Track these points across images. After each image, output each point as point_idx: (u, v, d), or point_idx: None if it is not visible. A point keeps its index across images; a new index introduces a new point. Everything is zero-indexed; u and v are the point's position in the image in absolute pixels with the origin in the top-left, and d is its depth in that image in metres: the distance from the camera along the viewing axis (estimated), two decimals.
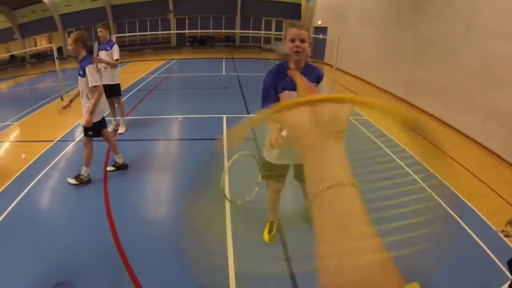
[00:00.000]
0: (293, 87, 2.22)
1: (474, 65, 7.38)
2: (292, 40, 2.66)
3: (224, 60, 18.08)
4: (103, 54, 5.91)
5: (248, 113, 7.75)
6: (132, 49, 22.71)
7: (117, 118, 6.48)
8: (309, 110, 0.58)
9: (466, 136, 7.29)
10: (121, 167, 4.88)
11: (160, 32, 23.39)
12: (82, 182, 4.44)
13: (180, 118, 7.26)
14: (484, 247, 3.39)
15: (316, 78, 2.89)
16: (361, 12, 15.28)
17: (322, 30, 19.77)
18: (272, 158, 3.14)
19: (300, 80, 0.67)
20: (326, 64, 17.80)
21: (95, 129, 4.39)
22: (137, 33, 22.87)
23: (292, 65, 2.80)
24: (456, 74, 8.02)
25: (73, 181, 4.40)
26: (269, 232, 3.61)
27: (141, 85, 10.86)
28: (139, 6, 23.09)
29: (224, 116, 7.25)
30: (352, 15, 16.22)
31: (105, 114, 4.57)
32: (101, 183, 4.54)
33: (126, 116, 6.87)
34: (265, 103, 2.89)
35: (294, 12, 23.81)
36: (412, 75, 10.71)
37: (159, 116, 7.42)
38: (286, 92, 2.63)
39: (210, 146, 5.78)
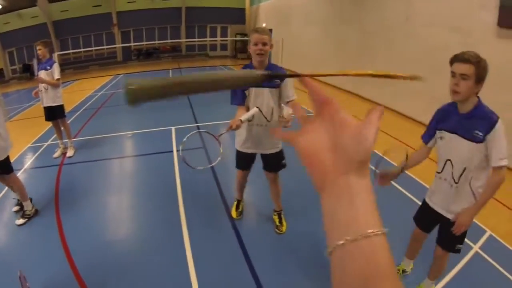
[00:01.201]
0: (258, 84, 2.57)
1: (417, 55, 8.01)
2: (256, 44, 3.07)
3: (171, 71, 18.05)
4: (42, 74, 5.67)
5: (196, 122, 7.85)
6: (77, 67, 22.15)
7: (65, 141, 6.30)
8: (326, 132, 0.51)
9: (413, 120, 7.96)
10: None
11: (105, 47, 22.76)
12: (30, 217, 4.21)
13: (129, 134, 7.23)
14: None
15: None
16: (304, 12, 15.73)
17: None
18: (237, 145, 3.58)
19: (314, 88, 0.54)
20: None
21: (1, 167, 3.94)
22: (82, 49, 22.17)
23: (256, 65, 3.17)
24: (401, 64, 8.57)
25: (21, 221, 4.11)
26: (236, 209, 4.15)
27: (88, 104, 10.65)
28: (82, 20, 22.33)
29: (173, 128, 7.33)
30: (296, 16, 16.68)
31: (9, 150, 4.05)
32: (53, 211, 4.40)
33: (74, 138, 6.72)
34: (233, 100, 3.31)
35: (239, 17, 24.15)
36: (358, 68, 11.16)
37: (108, 135, 7.32)
38: (253, 89, 3.23)
39: (161, 159, 5.89)
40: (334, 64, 12.96)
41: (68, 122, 7.12)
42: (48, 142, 6.99)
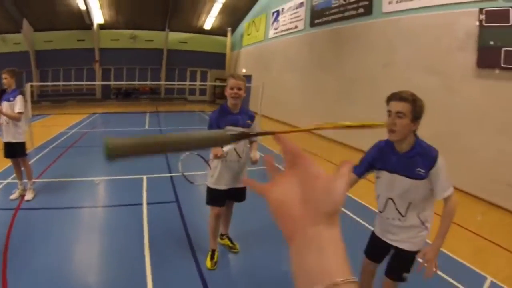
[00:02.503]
0: (233, 124, 3.64)
1: None
2: (232, 88, 3.52)
3: (148, 114, 18.00)
4: (5, 105, 5.27)
5: (170, 171, 7.52)
6: (54, 100, 21.86)
7: (24, 181, 5.86)
8: (298, 185, 0.52)
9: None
10: None
11: (84, 83, 22.67)
12: None
13: (97, 181, 6.77)
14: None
15: (250, 117, 3.76)
16: (284, 59, 16.30)
17: (247, 78, 20.35)
18: (211, 183, 3.78)
19: (287, 144, 0.57)
20: None
21: None
22: (61, 83, 22.08)
23: (230, 107, 3.63)
24: (382, 109, 8.80)
25: None
26: (211, 259, 4.02)
27: (58, 142, 10.42)
28: (65, 54, 22.24)
29: (145, 177, 6.99)
30: (275, 62, 17.21)
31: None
32: None
33: (36, 179, 6.40)
34: None
35: (219, 62, 24.66)
36: (337, 114, 11.56)
37: (74, 179, 6.93)
38: (229, 127, 3.51)
39: (129, 213, 5.43)
40: (313, 110, 13.24)
41: (33, 160, 6.79)
42: (8, 180, 6.54)
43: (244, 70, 21.52)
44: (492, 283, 3.93)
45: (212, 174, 3.76)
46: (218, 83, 22.88)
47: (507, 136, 6.49)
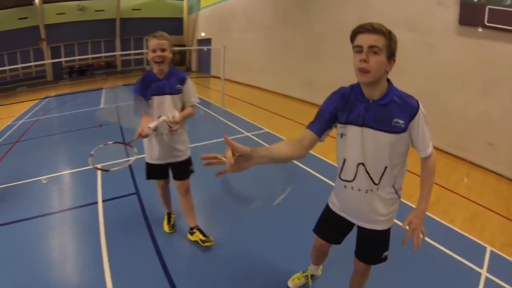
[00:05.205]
0: (159, 93, 3.21)
1: None
2: (154, 51, 3.02)
3: (104, 90, 16.51)
4: None
5: (127, 156, 6.57)
6: (3, 89, 19.86)
7: None
8: None
9: None
10: None
11: (33, 64, 20.34)
12: None
13: (45, 180, 5.79)
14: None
15: (180, 81, 3.25)
16: (245, 18, 15.48)
17: (206, 42, 19.53)
18: (150, 159, 3.47)
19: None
20: (213, 77, 17.47)
21: None
22: (7, 67, 19.89)
23: (156, 73, 3.17)
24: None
25: None
26: (168, 222, 4.07)
27: (2, 138, 9.13)
28: (6, 35, 20.10)
29: (100, 166, 6.03)
30: (236, 22, 16.40)
31: None
32: None
33: None
34: (137, 110, 3.16)
35: (176, 27, 23.44)
36: (307, 73, 11.07)
37: (19, 182, 5.80)
38: (155, 97, 3.17)
39: (82, 217, 4.62)
40: (280, 70, 12.86)
41: None
42: None
43: (203, 34, 20.50)
44: (492, 254, 3.73)
45: (147, 150, 3.46)
46: (176, 49, 21.52)
47: (488, 97, 6.23)
